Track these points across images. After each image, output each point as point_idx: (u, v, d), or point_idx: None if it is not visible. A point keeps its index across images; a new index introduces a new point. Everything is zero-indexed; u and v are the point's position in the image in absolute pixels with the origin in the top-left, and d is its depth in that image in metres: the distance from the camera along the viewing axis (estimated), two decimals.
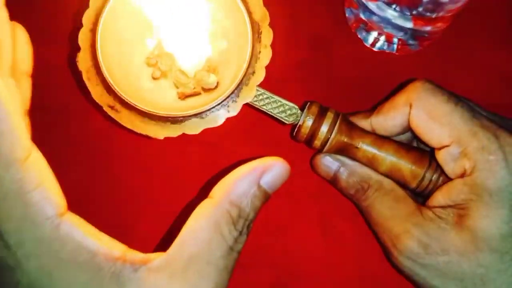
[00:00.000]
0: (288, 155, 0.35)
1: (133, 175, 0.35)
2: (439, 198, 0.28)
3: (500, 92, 0.37)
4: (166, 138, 0.35)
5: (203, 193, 0.34)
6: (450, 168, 0.27)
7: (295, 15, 0.39)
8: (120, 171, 0.35)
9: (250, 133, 0.36)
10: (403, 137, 0.32)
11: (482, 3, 0.38)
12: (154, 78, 0.30)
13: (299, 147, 0.35)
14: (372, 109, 0.31)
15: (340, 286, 0.32)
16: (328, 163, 0.31)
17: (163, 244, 0.33)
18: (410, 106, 0.28)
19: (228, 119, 0.36)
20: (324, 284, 0.32)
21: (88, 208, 0.34)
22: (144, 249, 0.33)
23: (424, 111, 0.28)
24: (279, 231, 0.33)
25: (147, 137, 0.28)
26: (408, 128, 0.30)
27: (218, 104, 0.28)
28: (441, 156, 0.28)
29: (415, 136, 0.30)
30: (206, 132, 0.36)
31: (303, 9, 0.39)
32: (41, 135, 0.35)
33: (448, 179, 0.28)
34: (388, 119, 0.30)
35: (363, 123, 0.31)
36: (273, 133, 0.36)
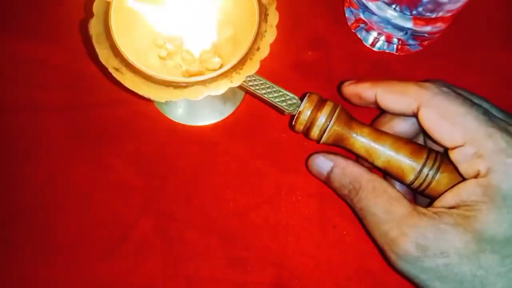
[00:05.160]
0: (286, 155, 0.35)
1: (132, 174, 0.35)
2: (448, 197, 0.27)
3: (500, 92, 0.37)
4: (165, 136, 0.35)
5: (202, 192, 0.34)
6: (464, 168, 0.27)
7: (295, 15, 0.39)
8: (120, 170, 0.35)
9: (248, 133, 0.36)
10: (409, 134, 0.32)
11: (482, 3, 0.38)
12: (161, 58, 0.31)
13: (297, 146, 0.35)
14: (380, 78, 0.31)
15: (340, 286, 0.32)
16: (321, 163, 0.31)
17: (162, 244, 0.33)
18: (419, 107, 0.28)
19: (226, 119, 0.36)
20: (324, 284, 0.32)
21: (88, 205, 0.34)
22: (141, 248, 0.33)
23: (436, 111, 0.27)
24: (279, 231, 0.33)
25: (149, 100, 0.29)
26: (408, 115, 0.29)
27: (222, 73, 0.28)
28: (454, 155, 0.27)
29: (424, 133, 0.30)
30: (204, 131, 0.36)
31: (303, 9, 0.39)
32: (40, 135, 0.36)
33: (445, 175, 0.28)
34: (392, 100, 0.29)
35: (368, 91, 0.30)
36: (271, 133, 0.36)
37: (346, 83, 0.32)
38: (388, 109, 0.30)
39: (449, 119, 0.27)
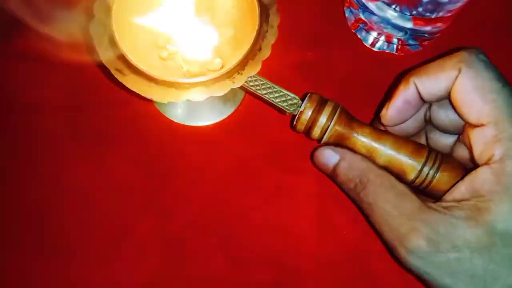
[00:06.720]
0: (286, 155, 0.35)
1: (132, 174, 0.35)
2: (460, 188, 0.26)
3: None
4: (165, 136, 0.35)
5: (202, 192, 0.34)
6: (478, 150, 0.26)
7: (295, 15, 0.39)
8: (120, 170, 0.35)
9: (248, 133, 0.36)
10: (412, 130, 0.31)
11: (482, 3, 0.38)
12: (162, 59, 0.31)
13: (297, 146, 0.35)
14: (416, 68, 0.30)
15: (340, 286, 0.32)
16: (328, 155, 0.30)
17: (162, 244, 0.33)
18: (459, 72, 0.27)
19: (226, 119, 0.36)
20: (324, 283, 0.32)
21: (88, 205, 0.34)
22: (141, 248, 0.33)
23: (472, 81, 0.26)
24: (279, 231, 0.33)
25: (149, 100, 0.29)
26: (445, 97, 0.28)
27: (224, 74, 0.28)
28: (473, 134, 0.27)
29: (431, 124, 0.29)
30: (204, 131, 0.36)
31: (303, 9, 0.39)
32: (40, 135, 0.36)
33: (445, 173, 0.28)
34: (432, 80, 0.28)
35: (408, 89, 0.29)
36: (271, 133, 0.36)
37: (384, 110, 0.30)
38: (431, 95, 0.29)
39: (481, 93, 0.26)
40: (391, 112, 0.30)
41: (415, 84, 0.29)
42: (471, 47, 0.28)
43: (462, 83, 0.27)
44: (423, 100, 0.29)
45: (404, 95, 0.29)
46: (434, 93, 0.28)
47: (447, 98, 0.29)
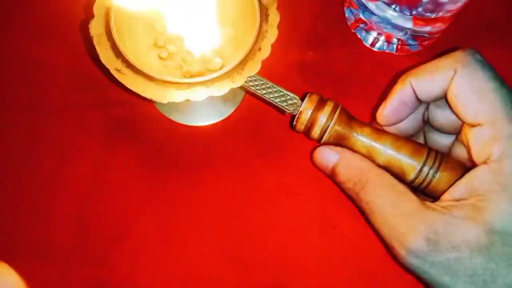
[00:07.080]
0: (286, 155, 0.35)
1: (132, 174, 0.35)
2: (460, 187, 0.26)
3: None
4: (165, 137, 0.36)
5: (202, 192, 0.34)
6: (476, 150, 0.26)
7: (295, 15, 0.39)
8: (120, 170, 0.35)
9: (248, 133, 0.36)
10: (410, 131, 0.31)
11: (482, 3, 0.38)
12: (161, 58, 0.31)
13: (297, 147, 0.35)
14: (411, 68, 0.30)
15: (340, 286, 0.32)
16: (328, 154, 0.30)
17: (162, 244, 0.33)
18: (455, 72, 0.27)
19: (226, 119, 0.36)
20: (324, 284, 0.32)
21: (88, 205, 0.34)
22: (141, 248, 0.33)
23: (468, 81, 0.26)
24: (279, 231, 0.33)
25: (149, 100, 0.29)
26: (441, 97, 0.28)
27: (224, 74, 0.28)
28: (471, 134, 0.27)
29: (428, 124, 0.29)
30: (204, 131, 0.36)
31: (303, 9, 0.40)
32: (40, 135, 0.36)
33: (445, 173, 0.28)
34: (428, 81, 0.28)
35: (405, 90, 0.29)
36: (271, 133, 0.36)
37: (379, 110, 0.31)
38: (426, 95, 0.29)
39: (478, 93, 0.26)
40: (386, 112, 0.30)
41: (411, 85, 0.29)
42: (467, 47, 0.28)
43: (458, 83, 0.27)
44: (419, 101, 0.29)
45: (400, 96, 0.29)
46: (430, 93, 0.29)
47: (443, 98, 0.29)
